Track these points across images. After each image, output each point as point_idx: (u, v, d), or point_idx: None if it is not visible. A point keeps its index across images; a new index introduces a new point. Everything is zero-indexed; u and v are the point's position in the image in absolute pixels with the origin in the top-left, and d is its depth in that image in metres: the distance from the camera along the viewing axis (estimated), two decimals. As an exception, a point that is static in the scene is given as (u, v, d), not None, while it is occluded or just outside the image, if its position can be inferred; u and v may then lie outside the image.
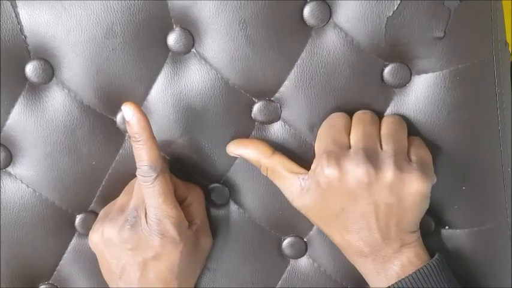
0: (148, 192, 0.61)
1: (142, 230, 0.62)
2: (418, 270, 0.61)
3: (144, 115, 0.59)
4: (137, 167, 0.61)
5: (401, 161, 0.60)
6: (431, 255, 0.64)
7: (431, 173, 0.62)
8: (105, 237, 0.63)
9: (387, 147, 0.61)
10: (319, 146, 0.62)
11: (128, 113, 0.59)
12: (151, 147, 0.60)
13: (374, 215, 0.61)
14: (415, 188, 0.60)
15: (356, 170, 0.59)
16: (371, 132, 0.61)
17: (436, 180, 0.62)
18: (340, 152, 0.60)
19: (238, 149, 0.64)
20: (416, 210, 0.62)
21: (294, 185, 0.63)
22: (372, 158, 0.60)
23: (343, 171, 0.60)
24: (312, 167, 0.62)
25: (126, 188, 0.66)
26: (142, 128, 0.59)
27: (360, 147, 0.60)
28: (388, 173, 0.59)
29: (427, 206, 0.63)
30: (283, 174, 0.63)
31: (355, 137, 0.61)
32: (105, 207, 0.67)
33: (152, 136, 0.60)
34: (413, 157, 0.61)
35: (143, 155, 0.60)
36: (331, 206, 0.62)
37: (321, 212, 0.63)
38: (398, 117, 0.64)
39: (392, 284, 0.61)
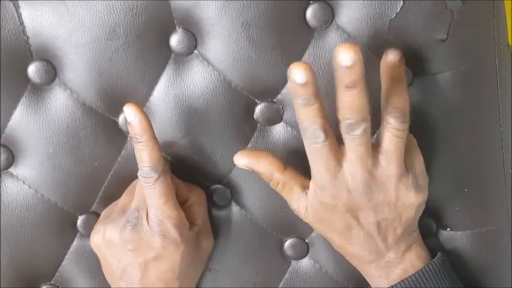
0: (150, 193, 0.61)
1: (143, 230, 0.62)
2: (421, 270, 0.62)
3: (146, 116, 0.59)
4: (139, 168, 0.61)
5: (399, 178, 0.59)
6: (433, 257, 0.64)
7: (425, 181, 0.62)
8: (107, 238, 0.63)
9: (386, 163, 0.59)
10: (313, 173, 0.60)
11: (129, 114, 0.59)
12: (152, 148, 0.60)
13: (377, 230, 0.61)
14: (413, 201, 0.60)
15: (357, 197, 0.59)
16: (365, 154, 0.59)
17: (428, 179, 0.62)
18: (336, 183, 0.59)
19: (249, 161, 0.62)
20: (416, 216, 0.63)
21: (301, 199, 0.62)
22: (370, 180, 0.59)
23: (341, 199, 0.59)
24: (311, 188, 0.61)
25: (128, 189, 0.66)
26: (144, 129, 0.59)
27: (357, 173, 0.58)
28: (388, 192, 0.59)
29: (423, 207, 0.63)
30: (294, 190, 0.62)
31: (348, 162, 0.59)
32: (107, 208, 0.67)
33: (154, 137, 0.60)
34: (408, 167, 0.60)
35: (145, 156, 0.60)
36: (335, 225, 0.62)
37: (325, 228, 0.63)
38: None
39: (395, 284, 0.62)
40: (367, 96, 0.55)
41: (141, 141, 0.60)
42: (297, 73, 0.54)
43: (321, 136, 0.57)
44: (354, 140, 0.56)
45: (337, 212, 0.61)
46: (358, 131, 0.56)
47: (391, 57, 0.57)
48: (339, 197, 0.60)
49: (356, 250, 0.63)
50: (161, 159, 0.61)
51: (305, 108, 0.56)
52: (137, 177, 0.62)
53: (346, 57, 0.52)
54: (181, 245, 0.63)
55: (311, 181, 0.61)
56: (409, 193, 0.60)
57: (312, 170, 0.60)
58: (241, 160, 0.63)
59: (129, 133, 0.63)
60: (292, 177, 0.62)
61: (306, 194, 0.62)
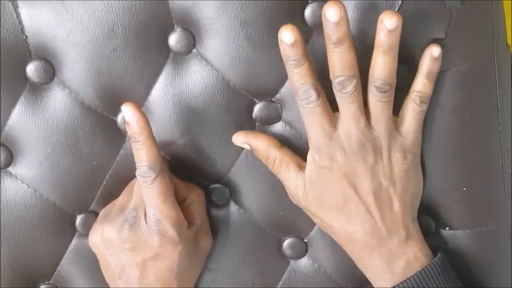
0: (148, 192, 0.61)
1: (141, 230, 0.62)
2: (423, 269, 0.62)
3: (144, 115, 0.60)
4: (137, 167, 0.61)
5: (389, 139, 0.61)
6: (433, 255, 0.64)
7: (418, 147, 0.63)
8: (105, 237, 0.63)
9: (376, 127, 0.60)
10: (309, 137, 0.62)
11: (127, 114, 0.59)
12: (150, 147, 0.60)
13: (374, 201, 0.61)
14: (405, 167, 0.61)
15: (352, 158, 0.60)
16: (357, 113, 0.60)
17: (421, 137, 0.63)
18: (331, 144, 0.60)
19: (247, 138, 0.64)
20: (415, 189, 0.63)
21: (299, 178, 0.63)
22: (363, 140, 0.60)
23: (337, 161, 0.60)
24: (309, 158, 0.62)
25: (126, 188, 0.66)
26: (142, 128, 0.59)
27: (351, 131, 0.60)
28: (381, 155, 0.60)
29: (422, 181, 0.64)
30: (291, 167, 0.63)
31: (342, 122, 0.60)
32: (105, 208, 0.67)
33: (151, 136, 0.60)
34: (401, 133, 0.62)
35: (142, 155, 0.60)
36: (333, 197, 0.62)
37: (324, 208, 0.63)
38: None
39: (398, 284, 0.61)
40: (355, 54, 0.58)
41: (139, 141, 0.60)
42: (286, 34, 0.57)
43: (313, 94, 0.59)
44: (346, 98, 0.59)
45: (335, 178, 0.61)
46: (349, 87, 0.58)
47: (386, 22, 0.57)
48: (335, 159, 0.61)
49: (357, 233, 0.62)
50: (159, 158, 0.61)
51: (296, 68, 0.59)
52: (135, 176, 0.62)
53: (333, 13, 0.56)
54: (179, 244, 0.63)
55: (309, 148, 0.62)
56: (400, 156, 0.61)
57: (308, 135, 0.61)
58: (239, 138, 0.64)
59: (127, 132, 0.63)
60: (288, 154, 0.64)
61: (304, 172, 0.63)
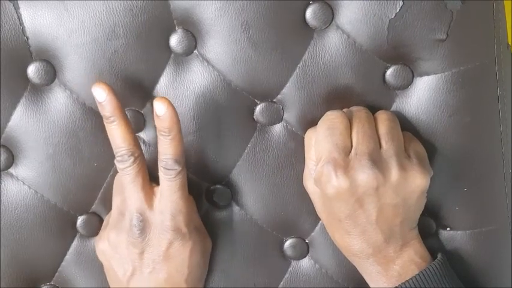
0: (168, 185, 0.61)
1: (152, 230, 0.62)
2: (421, 271, 0.62)
3: (175, 110, 0.59)
4: (161, 159, 0.61)
5: (402, 159, 0.60)
6: (433, 257, 0.64)
7: (428, 166, 0.62)
8: (112, 243, 0.63)
9: (387, 146, 0.61)
10: (320, 151, 0.61)
11: (160, 109, 0.59)
12: (179, 141, 0.60)
13: (378, 218, 0.61)
14: (418, 184, 0.60)
15: (364, 177, 0.59)
16: (370, 132, 0.61)
17: (433, 173, 0.62)
18: (344, 160, 0.60)
19: None
20: (419, 206, 0.63)
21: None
22: (376, 160, 0.59)
23: (351, 180, 0.59)
24: (316, 175, 0.61)
25: (115, 189, 0.65)
26: (175, 123, 0.59)
27: (364, 151, 0.60)
28: (393, 173, 0.60)
29: (425, 200, 0.63)
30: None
31: (356, 140, 0.60)
32: (108, 215, 0.66)
33: (180, 131, 0.60)
34: (411, 153, 0.62)
35: (170, 149, 0.60)
36: (335, 212, 0.62)
37: (322, 214, 0.64)
38: (391, 113, 0.63)
39: (400, 285, 0.61)
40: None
41: (169, 135, 0.59)
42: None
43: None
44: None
45: (342, 200, 0.61)
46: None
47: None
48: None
49: (354, 242, 0.62)
50: (184, 152, 0.61)
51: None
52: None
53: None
54: (189, 242, 0.63)
55: (319, 164, 0.61)
56: (415, 174, 0.60)
57: (321, 146, 0.61)
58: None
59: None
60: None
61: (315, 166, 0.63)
